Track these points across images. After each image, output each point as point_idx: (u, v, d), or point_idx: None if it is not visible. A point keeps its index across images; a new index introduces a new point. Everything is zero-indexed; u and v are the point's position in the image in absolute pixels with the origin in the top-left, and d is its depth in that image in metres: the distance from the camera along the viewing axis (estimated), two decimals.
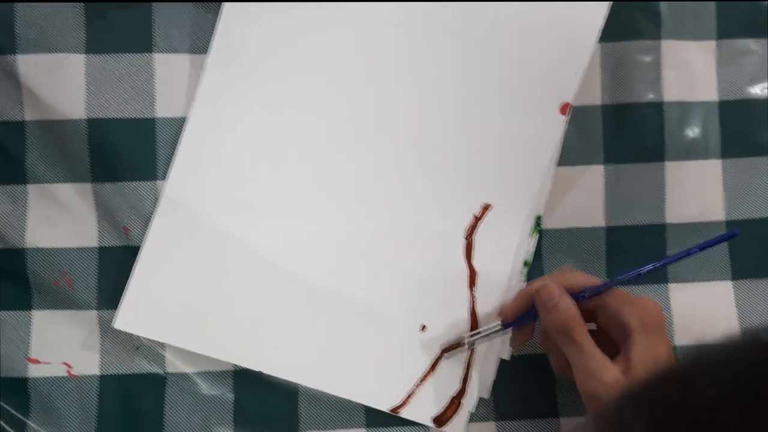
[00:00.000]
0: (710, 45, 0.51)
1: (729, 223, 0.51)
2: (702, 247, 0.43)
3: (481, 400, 0.49)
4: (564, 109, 0.50)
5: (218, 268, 0.49)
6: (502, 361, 0.49)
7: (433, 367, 0.49)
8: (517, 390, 0.49)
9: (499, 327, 0.46)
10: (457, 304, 0.49)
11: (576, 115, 0.50)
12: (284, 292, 0.49)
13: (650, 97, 0.51)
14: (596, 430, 0.30)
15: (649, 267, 0.44)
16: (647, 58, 0.51)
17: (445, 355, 0.48)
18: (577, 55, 0.49)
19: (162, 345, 0.49)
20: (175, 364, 0.49)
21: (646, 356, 0.40)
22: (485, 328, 0.47)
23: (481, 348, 0.49)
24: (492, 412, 0.49)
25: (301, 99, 0.50)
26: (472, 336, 0.47)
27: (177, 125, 0.50)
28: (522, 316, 0.45)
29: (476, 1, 0.50)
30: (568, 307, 0.42)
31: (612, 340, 0.43)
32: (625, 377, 0.40)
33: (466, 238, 0.50)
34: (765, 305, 0.51)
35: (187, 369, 0.49)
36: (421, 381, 0.49)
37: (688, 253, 0.43)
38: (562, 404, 0.50)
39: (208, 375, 0.49)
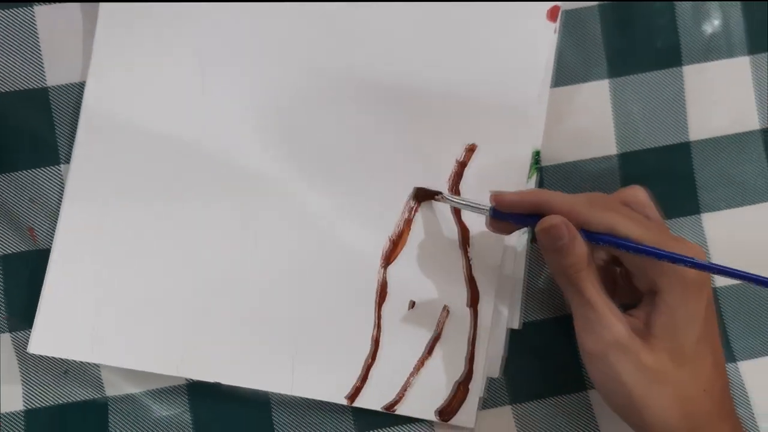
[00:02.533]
0: None
1: (765, 131, 0.42)
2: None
3: (491, 381, 0.41)
4: (553, 13, 0.40)
5: (146, 266, 0.40)
6: (512, 332, 0.41)
7: (431, 350, 0.40)
8: (534, 364, 0.42)
9: (488, 211, 0.37)
10: (450, 271, 0.40)
11: (568, 20, 0.42)
12: (231, 288, 0.40)
13: None
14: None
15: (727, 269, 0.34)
16: None
17: (420, 207, 0.40)
18: None
19: (96, 365, 0.40)
20: (116, 386, 0.41)
21: (670, 321, 0.34)
22: (474, 202, 0.38)
23: (485, 318, 0.40)
24: (506, 395, 0.41)
25: (224, 49, 0.40)
26: (452, 198, 0.39)
27: (75, 92, 0.40)
28: (515, 215, 0.36)
29: None
30: (576, 251, 0.34)
31: (634, 287, 0.36)
32: (634, 337, 0.34)
33: (451, 190, 0.40)
34: None
35: (132, 389, 0.41)
36: (416, 369, 0.40)
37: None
38: None
39: (158, 393, 0.41)
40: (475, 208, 0.38)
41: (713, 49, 0.42)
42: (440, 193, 0.40)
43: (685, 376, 0.33)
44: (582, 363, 0.41)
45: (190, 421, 0.40)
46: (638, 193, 0.37)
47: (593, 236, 0.34)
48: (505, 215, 0.37)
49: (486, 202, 0.37)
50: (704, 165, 0.42)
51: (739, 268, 0.34)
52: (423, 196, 0.40)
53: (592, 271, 0.35)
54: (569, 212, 0.35)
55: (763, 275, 0.33)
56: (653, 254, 0.33)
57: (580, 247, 0.34)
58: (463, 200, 0.39)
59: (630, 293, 0.37)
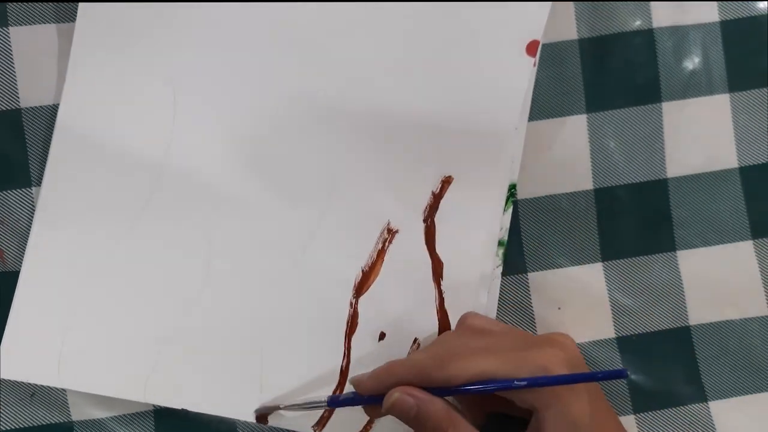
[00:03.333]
0: None
1: (743, 170, 0.42)
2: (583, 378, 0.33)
3: None
4: (531, 48, 0.40)
5: (114, 291, 0.39)
6: None
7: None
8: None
9: (324, 405, 0.37)
10: (422, 303, 0.40)
11: (547, 54, 0.41)
12: (199, 315, 0.40)
13: (637, 23, 0.42)
14: None
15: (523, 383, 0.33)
16: None
17: (394, 238, 0.40)
18: None
19: (63, 389, 0.40)
20: (82, 410, 0.40)
21: (566, 425, 0.33)
22: (311, 402, 0.38)
23: None
24: None
25: (197, 74, 0.40)
26: (289, 407, 0.39)
27: (48, 115, 0.40)
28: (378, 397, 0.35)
29: None
30: (432, 413, 0.33)
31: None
32: None
33: (425, 222, 0.40)
34: None
35: (99, 414, 0.40)
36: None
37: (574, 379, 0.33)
38: None
39: (124, 419, 0.40)
40: (315, 407, 0.38)
41: (693, 86, 0.42)
42: (278, 407, 0.39)
43: None
44: None
45: None
46: (472, 321, 0.37)
47: (447, 391, 0.33)
48: (371, 399, 0.36)
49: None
50: (681, 202, 0.42)
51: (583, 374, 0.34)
52: (262, 412, 0.39)
53: (459, 424, 0.33)
54: (426, 380, 0.34)
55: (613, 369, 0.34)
56: (509, 387, 0.33)
57: (435, 405, 0.33)
58: (302, 404, 0.38)
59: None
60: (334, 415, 0.40)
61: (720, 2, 0.42)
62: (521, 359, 0.33)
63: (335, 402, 0.38)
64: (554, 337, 0.35)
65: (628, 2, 0.41)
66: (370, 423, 0.40)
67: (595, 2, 0.41)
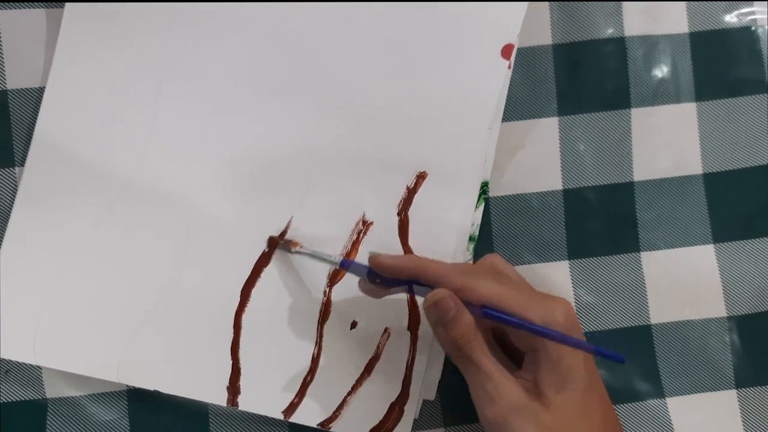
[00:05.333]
0: None
1: (707, 176, 0.43)
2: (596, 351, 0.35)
3: (425, 403, 0.42)
4: (506, 51, 0.41)
5: (92, 272, 0.40)
6: (447, 356, 0.41)
7: (369, 370, 0.41)
8: (467, 389, 0.42)
9: (335, 263, 0.39)
10: (394, 294, 0.41)
11: (522, 58, 0.43)
12: (174, 298, 0.41)
13: (609, 32, 0.43)
14: None
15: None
16: None
17: (368, 230, 0.41)
18: None
19: (38, 366, 0.40)
20: (56, 388, 0.41)
21: (556, 377, 0.34)
22: (327, 255, 0.39)
23: (424, 342, 0.41)
24: (440, 417, 0.42)
25: (182, 65, 0.41)
26: (305, 251, 0.40)
27: (34, 97, 0.40)
28: (391, 279, 0.37)
29: None
30: (464, 322, 0.35)
31: (518, 349, 0.37)
32: (530, 399, 0.34)
33: (399, 215, 0.41)
34: (749, 267, 0.44)
35: (73, 392, 0.41)
36: (354, 388, 0.41)
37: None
38: None
39: (98, 398, 0.41)
40: (326, 261, 0.39)
41: (661, 94, 0.43)
42: (297, 244, 0.40)
43: (581, 427, 0.34)
44: None
45: (127, 427, 0.41)
46: (495, 261, 0.38)
47: (472, 309, 0.35)
48: (380, 279, 0.37)
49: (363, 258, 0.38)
50: (646, 205, 0.43)
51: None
52: (277, 245, 0.41)
53: (480, 340, 0.35)
54: (445, 280, 0.35)
55: (613, 352, 0.35)
56: (529, 329, 0.34)
57: (467, 317, 0.35)
58: (316, 253, 0.39)
59: (509, 353, 0.38)
60: (303, 402, 0.41)
61: (690, 14, 0.44)
62: (533, 303, 0.35)
63: (346, 265, 0.39)
64: (559, 298, 0.36)
65: (602, 11, 0.43)
66: (339, 409, 0.41)
67: (571, 9, 0.43)
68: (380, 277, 0.37)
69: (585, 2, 0.43)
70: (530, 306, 0.34)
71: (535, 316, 0.34)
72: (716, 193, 0.44)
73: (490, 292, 0.35)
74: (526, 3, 0.41)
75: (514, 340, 0.36)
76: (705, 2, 0.44)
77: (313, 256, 0.40)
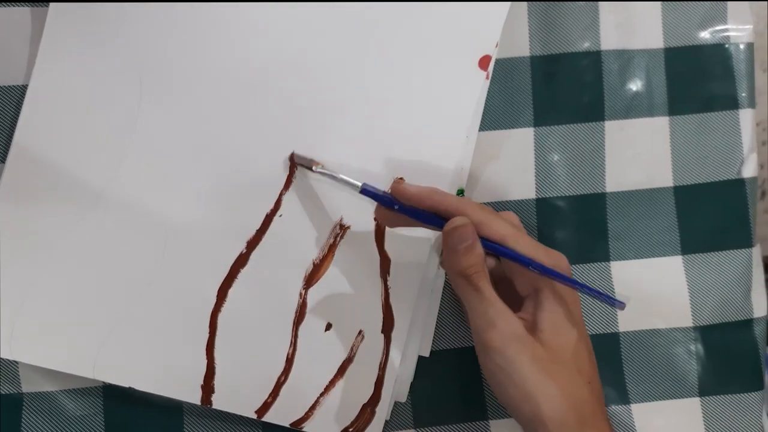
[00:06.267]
0: None
1: (678, 189, 0.45)
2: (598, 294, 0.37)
3: (397, 404, 0.42)
4: (484, 62, 0.42)
5: (69, 269, 0.41)
6: (421, 358, 0.42)
7: (342, 371, 0.42)
8: (439, 391, 0.43)
9: (357, 188, 0.39)
10: (368, 297, 0.42)
11: (500, 69, 0.43)
12: (149, 296, 0.41)
13: (586, 45, 0.44)
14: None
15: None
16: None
17: (345, 234, 0.42)
18: None
19: (14, 361, 0.41)
20: (32, 382, 0.41)
21: (555, 318, 0.37)
22: (348, 178, 0.39)
23: (397, 344, 0.42)
24: (410, 419, 0.43)
25: (163, 68, 0.41)
26: (328, 171, 0.40)
27: (17, 95, 0.41)
28: (414, 209, 0.38)
29: None
30: (477, 252, 0.37)
31: (517, 293, 0.38)
32: (529, 336, 0.36)
33: (376, 220, 0.42)
34: (715, 278, 0.45)
35: (49, 387, 0.42)
36: (327, 389, 0.42)
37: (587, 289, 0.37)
38: (492, 405, 0.43)
39: (73, 393, 0.42)
40: (348, 184, 0.39)
41: (635, 108, 0.44)
42: (319, 163, 0.41)
43: (572, 369, 0.36)
44: (485, 392, 0.43)
45: (102, 423, 0.41)
46: (512, 216, 0.40)
47: (486, 243, 0.37)
48: (398, 205, 0.38)
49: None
50: (617, 216, 0.44)
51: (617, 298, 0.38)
52: (299, 162, 0.41)
53: (486, 272, 0.37)
54: (464, 213, 0.37)
55: (616, 298, 0.37)
56: (541, 269, 0.36)
57: (480, 249, 0.37)
58: (337, 174, 0.40)
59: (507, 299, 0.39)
60: (276, 402, 0.41)
61: (665, 30, 0.45)
62: (541, 249, 0.37)
63: (368, 191, 0.39)
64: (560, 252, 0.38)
65: (579, 24, 0.44)
66: (311, 409, 0.42)
67: (549, 22, 0.44)
68: (399, 203, 0.38)
69: (563, 16, 0.44)
70: (540, 250, 0.37)
71: (545, 258, 0.36)
72: (686, 206, 0.45)
73: (506, 231, 0.37)
74: (505, 15, 0.42)
75: (516, 281, 0.38)
76: (680, 18, 0.45)
77: (334, 177, 0.40)
